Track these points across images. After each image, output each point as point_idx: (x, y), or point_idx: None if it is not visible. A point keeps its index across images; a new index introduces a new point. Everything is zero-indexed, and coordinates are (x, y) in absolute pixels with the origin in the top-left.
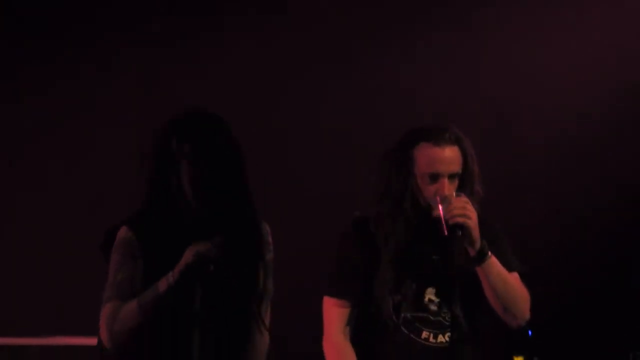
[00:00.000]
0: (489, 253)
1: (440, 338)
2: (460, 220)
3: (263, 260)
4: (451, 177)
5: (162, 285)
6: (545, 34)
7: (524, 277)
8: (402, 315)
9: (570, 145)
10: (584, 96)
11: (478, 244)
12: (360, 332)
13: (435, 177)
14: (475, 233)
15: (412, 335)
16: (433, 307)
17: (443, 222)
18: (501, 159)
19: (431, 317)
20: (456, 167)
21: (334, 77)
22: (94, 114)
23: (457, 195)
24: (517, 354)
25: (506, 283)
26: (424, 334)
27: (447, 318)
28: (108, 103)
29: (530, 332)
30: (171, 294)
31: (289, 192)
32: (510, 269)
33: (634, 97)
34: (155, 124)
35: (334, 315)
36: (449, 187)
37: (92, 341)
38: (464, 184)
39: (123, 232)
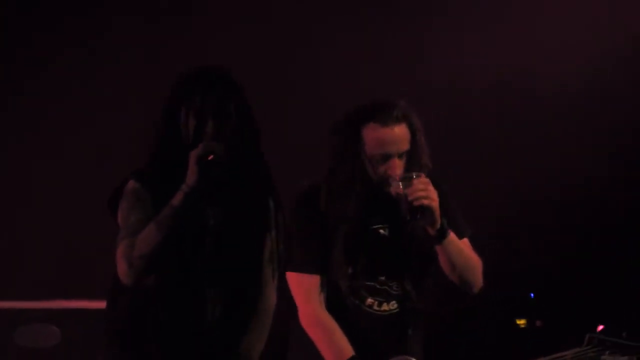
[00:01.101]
0: (448, 231)
1: (385, 306)
2: (425, 202)
3: (273, 221)
4: (400, 155)
5: (177, 198)
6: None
7: (472, 240)
8: (354, 282)
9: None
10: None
11: (438, 224)
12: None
13: (385, 157)
14: (437, 214)
15: (357, 302)
16: (381, 277)
17: (406, 205)
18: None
19: (377, 286)
20: (405, 145)
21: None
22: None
23: (416, 176)
24: (520, 317)
25: (462, 256)
26: (368, 301)
27: (393, 288)
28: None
29: (532, 295)
30: (187, 202)
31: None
32: (461, 235)
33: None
34: (157, 86)
35: (307, 288)
36: (399, 166)
37: (98, 305)
38: (412, 158)
39: (131, 184)
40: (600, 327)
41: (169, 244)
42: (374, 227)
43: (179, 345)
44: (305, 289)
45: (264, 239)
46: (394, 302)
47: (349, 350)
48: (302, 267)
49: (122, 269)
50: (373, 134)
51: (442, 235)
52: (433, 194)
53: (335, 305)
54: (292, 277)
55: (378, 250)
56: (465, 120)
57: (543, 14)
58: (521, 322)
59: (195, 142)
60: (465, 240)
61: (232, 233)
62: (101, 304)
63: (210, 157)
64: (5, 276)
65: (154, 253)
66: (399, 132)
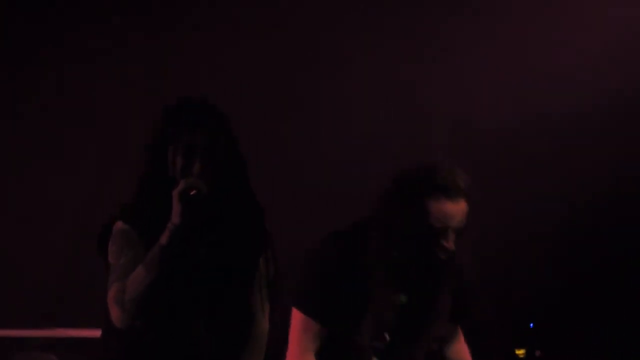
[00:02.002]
0: None
1: None
2: None
3: (262, 247)
4: (456, 230)
5: (164, 237)
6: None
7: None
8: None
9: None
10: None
11: None
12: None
13: (443, 230)
14: None
15: None
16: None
17: None
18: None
19: (384, 347)
20: (464, 220)
21: (329, 77)
22: (93, 112)
23: None
24: (519, 347)
25: None
26: None
27: (397, 350)
28: (108, 98)
29: (532, 325)
30: (174, 240)
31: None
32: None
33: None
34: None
35: (304, 334)
36: (452, 239)
37: (95, 333)
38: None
39: (119, 225)
40: None
41: (162, 283)
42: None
43: None
44: (304, 333)
45: (254, 269)
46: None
47: None
48: (312, 312)
49: (115, 313)
50: (440, 207)
51: None
52: None
53: None
54: (296, 315)
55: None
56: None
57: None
58: (520, 352)
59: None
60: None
61: (221, 267)
62: (97, 333)
63: (193, 193)
64: (4, 304)
65: (146, 295)
66: (463, 208)
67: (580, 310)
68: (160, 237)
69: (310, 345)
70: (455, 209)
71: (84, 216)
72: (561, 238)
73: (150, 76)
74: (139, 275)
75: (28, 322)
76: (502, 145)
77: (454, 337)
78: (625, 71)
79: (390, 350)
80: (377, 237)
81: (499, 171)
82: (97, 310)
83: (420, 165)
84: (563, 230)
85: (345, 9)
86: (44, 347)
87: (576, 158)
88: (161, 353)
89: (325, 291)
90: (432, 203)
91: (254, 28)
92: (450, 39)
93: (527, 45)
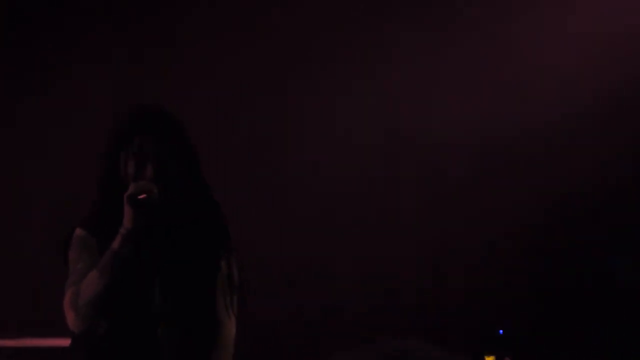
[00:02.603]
0: None
1: None
2: None
3: (222, 250)
4: None
5: (116, 242)
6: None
7: None
8: None
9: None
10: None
11: None
12: None
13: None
14: None
15: None
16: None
17: None
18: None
19: None
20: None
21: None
22: (74, 112)
23: None
24: (489, 354)
25: None
26: None
27: None
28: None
29: (501, 332)
30: (126, 245)
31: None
32: None
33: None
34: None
35: None
36: None
37: (65, 342)
38: None
39: (77, 232)
40: None
41: (115, 287)
42: None
43: None
44: None
45: (214, 272)
46: None
47: None
48: None
49: (69, 317)
50: None
51: None
52: None
53: None
54: None
55: None
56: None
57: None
58: (490, 358)
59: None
60: None
61: (180, 271)
62: (67, 342)
63: (142, 196)
64: None
65: (99, 299)
66: None
67: (550, 317)
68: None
69: None
70: None
71: (54, 224)
72: (531, 245)
73: (132, 78)
74: (91, 280)
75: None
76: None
77: None
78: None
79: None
80: None
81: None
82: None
83: None
84: (533, 237)
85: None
86: (14, 357)
87: (548, 166)
88: (124, 358)
89: None
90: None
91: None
92: (447, 36)
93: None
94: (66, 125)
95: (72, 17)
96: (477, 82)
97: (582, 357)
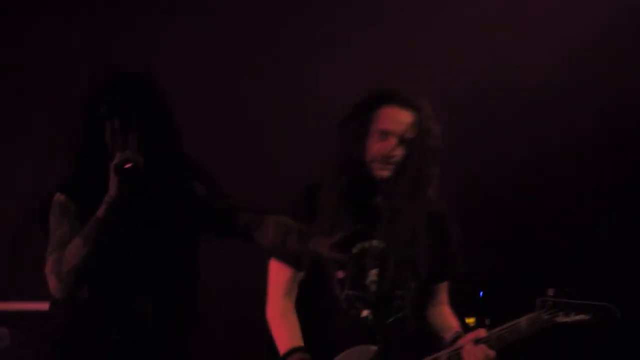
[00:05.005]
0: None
1: (378, 316)
2: None
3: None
4: (401, 140)
5: (101, 210)
6: None
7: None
8: (345, 292)
9: None
10: None
11: None
12: (305, 303)
13: (384, 135)
14: None
15: (351, 312)
16: (373, 289)
17: None
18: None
19: (369, 299)
20: (408, 132)
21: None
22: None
23: (477, 342)
24: (469, 316)
25: None
26: (364, 313)
27: (384, 300)
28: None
29: (481, 294)
30: (110, 213)
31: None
32: (448, 277)
33: None
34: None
35: (280, 279)
36: (394, 149)
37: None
38: (415, 157)
39: (57, 197)
40: (551, 291)
41: (97, 255)
42: (369, 237)
43: (113, 355)
44: (279, 280)
45: (195, 238)
46: (386, 312)
47: (298, 339)
48: (283, 257)
49: (52, 284)
50: (383, 112)
51: None
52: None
53: (327, 313)
54: (272, 265)
55: (372, 256)
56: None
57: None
58: (470, 320)
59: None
60: (446, 287)
61: (160, 237)
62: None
63: (128, 166)
64: None
65: (83, 266)
66: (406, 117)
67: (530, 279)
68: (97, 210)
69: (283, 288)
70: (396, 114)
71: (33, 187)
72: (513, 207)
73: (96, 48)
74: (75, 247)
75: None
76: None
77: (437, 297)
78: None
79: (375, 296)
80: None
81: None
82: (47, 283)
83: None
84: (515, 199)
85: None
86: None
87: (539, 127)
88: (104, 324)
89: None
90: (377, 110)
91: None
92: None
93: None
94: (45, 89)
95: None
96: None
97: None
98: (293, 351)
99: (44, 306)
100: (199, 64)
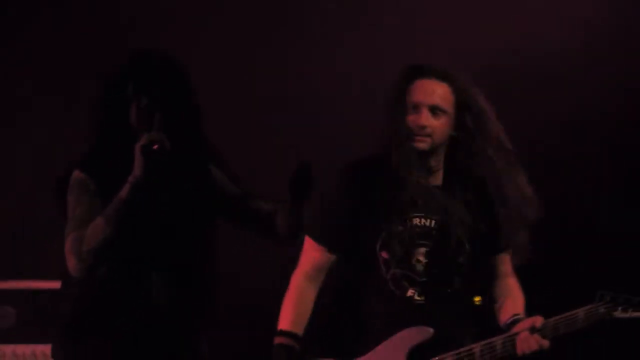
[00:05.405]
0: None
1: (425, 296)
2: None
3: (216, 197)
4: (433, 110)
5: (124, 190)
6: None
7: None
8: (391, 271)
9: None
10: None
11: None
12: (350, 285)
13: (416, 107)
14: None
15: (398, 292)
16: (420, 268)
17: None
18: None
19: (417, 278)
20: (438, 101)
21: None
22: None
23: (532, 331)
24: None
25: None
26: (410, 292)
27: (433, 279)
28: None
29: None
30: (134, 194)
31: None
32: (506, 247)
33: None
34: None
35: (309, 258)
36: (427, 118)
37: (52, 285)
38: (462, 131)
39: (77, 174)
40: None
41: (118, 235)
42: (414, 215)
43: (128, 333)
44: (306, 258)
45: (212, 220)
46: (434, 291)
47: (296, 326)
48: (317, 237)
49: (71, 263)
50: (415, 85)
51: None
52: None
53: (372, 292)
54: (305, 241)
55: (418, 235)
56: None
57: None
58: (477, 299)
59: (141, 133)
60: (507, 258)
61: (179, 218)
62: (56, 284)
63: (155, 147)
64: None
65: (103, 246)
66: (437, 87)
67: (538, 256)
68: (119, 189)
69: (310, 268)
70: (426, 85)
71: (39, 165)
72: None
73: (104, 29)
74: (97, 227)
75: None
76: None
77: (497, 270)
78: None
79: (424, 276)
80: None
81: None
82: (54, 262)
83: None
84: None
85: None
86: (0, 300)
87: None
88: (121, 304)
89: (333, 218)
90: (410, 85)
91: None
92: None
93: None
94: (61, 68)
95: None
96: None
97: (569, 294)
98: (280, 333)
99: (48, 285)
100: (211, 49)
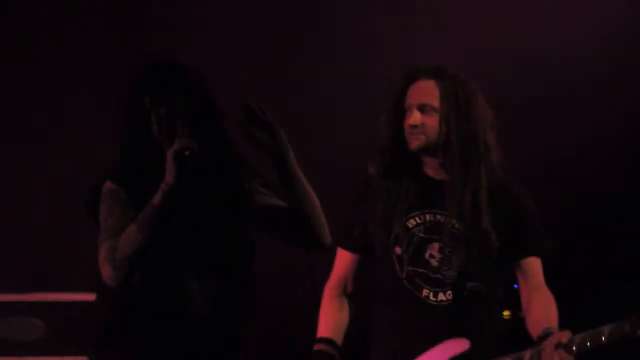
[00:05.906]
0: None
1: (441, 296)
2: None
3: (245, 205)
4: (421, 108)
5: (157, 197)
6: None
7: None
8: (405, 268)
9: None
10: None
11: None
12: (374, 287)
13: (410, 108)
14: None
15: (414, 292)
16: (434, 263)
17: None
18: None
19: (431, 275)
20: (426, 99)
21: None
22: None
23: (557, 347)
24: (504, 309)
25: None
26: (424, 292)
27: (446, 276)
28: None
29: (515, 286)
30: (167, 200)
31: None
32: (536, 252)
33: None
34: None
35: (337, 264)
36: (416, 116)
37: (81, 297)
38: (449, 127)
39: (108, 185)
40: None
41: (152, 242)
42: (425, 211)
43: (166, 341)
44: (337, 264)
45: (247, 224)
46: (449, 291)
47: (334, 333)
48: (339, 243)
49: (106, 272)
50: (408, 92)
51: None
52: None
53: (390, 294)
54: (337, 251)
55: (431, 230)
56: None
57: None
58: (506, 313)
59: (168, 141)
60: (538, 263)
61: (212, 223)
62: (84, 296)
63: (187, 153)
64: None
65: (138, 254)
66: (423, 85)
67: (565, 271)
68: (151, 197)
69: (339, 275)
70: (415, 87)
71: (71, 177)
72: (551, 194)
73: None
74: (131, 235)
75: (13, 286)
76: None
77: (528, 280)
78: None
79: (437, 273)
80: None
81: None
82: (83, 274)
83: None
84: (549, 184)
85: None
86: (29, 312)
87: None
88: (156, 312)
89: (351, 223)
90: (405, 93)
91: None
92: None
93: None
94: (79, 75)
95: None
96: None
97: (601, 308)
98: (318, 340)
99: (77, 297)
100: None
